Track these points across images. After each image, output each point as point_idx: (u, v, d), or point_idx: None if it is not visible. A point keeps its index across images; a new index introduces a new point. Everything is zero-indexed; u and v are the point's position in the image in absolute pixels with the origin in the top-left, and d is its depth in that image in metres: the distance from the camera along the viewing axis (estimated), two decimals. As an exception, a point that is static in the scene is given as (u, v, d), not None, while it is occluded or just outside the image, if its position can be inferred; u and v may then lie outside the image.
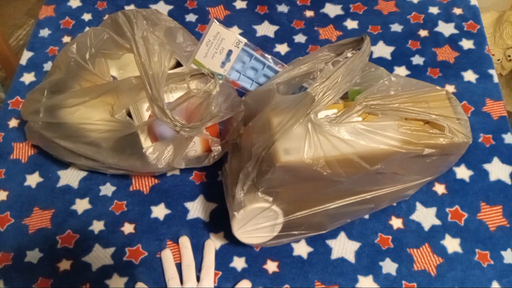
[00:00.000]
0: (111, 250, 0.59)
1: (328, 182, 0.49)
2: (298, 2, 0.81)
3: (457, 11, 0.79)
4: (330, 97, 0.48)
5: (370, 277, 0.57)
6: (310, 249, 0.59)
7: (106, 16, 0.80)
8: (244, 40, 0.61)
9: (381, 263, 0.58)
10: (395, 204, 0.61)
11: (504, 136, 0.66)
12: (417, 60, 0.74)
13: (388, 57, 0.74)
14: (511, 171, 0.64)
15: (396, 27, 0.77)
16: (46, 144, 0.62)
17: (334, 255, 0.59)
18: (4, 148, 0.67)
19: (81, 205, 0.62)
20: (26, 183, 0.64)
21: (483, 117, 0.68)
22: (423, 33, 0.76)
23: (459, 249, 0.58)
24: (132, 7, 0.81)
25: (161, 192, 0.63)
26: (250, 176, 0.49)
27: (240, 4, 0.81)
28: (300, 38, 0.77)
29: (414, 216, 0.61)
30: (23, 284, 0.57)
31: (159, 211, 0.62)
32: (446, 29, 0.77)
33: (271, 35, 0.77)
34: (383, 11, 0.79)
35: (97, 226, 0.61)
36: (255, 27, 0.78)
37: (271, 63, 0.63)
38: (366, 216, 0.61)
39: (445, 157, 0.53)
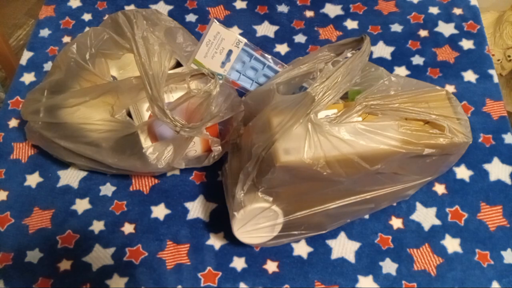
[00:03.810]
0: (111, 250, 0.59)
1: (328, 182, 0.49)
2: (298, 2, 0.81)
3: (457, 11, 0.79)
4: (330, 97, 0.48)
5: (370, 277, 0.57)
6: (310, 249, 0.59)
7: (106, 16, 0.80)
8: (244, 40, 0.61)
9: (381, 263, 0.58)
10: (395, 204, 0.61)
11: (504, 136, 0.66)
12: (417, 60, 0.74)
13: (388, 57, 0.74)
14: (511, 171, 0.64)
15: (396, 27, 0.77)
16: (46, 144, 0.62)
17: (334, 255, 0.59)
18: (4, 148, 0.67)
19: (81, 205, 0.62)
20: (26, 183, 0.64)
21: (483, 117, 0.68)
22: (423, 33, 0.76)
23: (459, 249, 0.58)
24: (132, 7, 0.81)
25: (161, 192, 0.63)
26: (250, 176, 0.49)
27: (240, 4, 0.81)
28: (300, 38, 0.77)
29: (414, 216, 0.61)
30: (23, 284, 0.57)
31: (159, 211, 0.62)
32: (446, 29, 0.77)
33: (271, 35, 0.77)
34: (383, 11, 0.79)
35: (97, 226, 0.61)
36: (255, 27, 0.78)
37: (271, 63, 0.63)
38: (366, 216, 0.61)
39: (445, 157, 0.53)
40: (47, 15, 0.81)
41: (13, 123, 0.69)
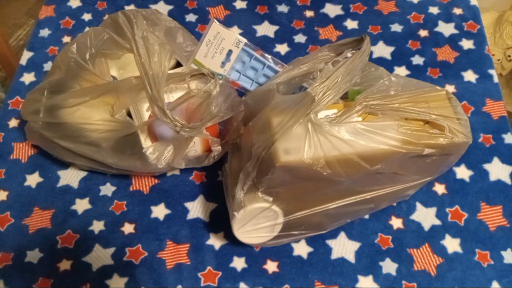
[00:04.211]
0: (111, 250, 0.59)
1: (328, 182, 0.49)
2: (298, 2, 0.81)
3: (457, 11, 0.79)
4: (330, 97, 0.48)
5: (370, 277, 0.57)
6: (310, 249, 0.59)
7: (106, 16, 0.80)
8: (244, 40, 0.61)
9: (381, 263, 0.58)
10: (395, 204, 0.61)
11: (504, 136, 0.66)
12: (417, 60, 0.74)
13: (388, 57, 0.74)
14: (511, 171, 0.64)
15: (396, 27, 0.77)
16: (46, 144, 0.62)
17: (334, 255, 0.59)
18: (4, 148, 0.67)
19: (81, 205, 0.62)
20: (26, 183, 0.64)
21: (483, 117, 0.68)
22: (423, 33, 0.76)
23: (459, 249, 0.58)
24: (132, 7, 0.81)
25: (161, 192, 0.63)
26: (250, 176, 0.49)
27: (240, 4, 0.81)
28: (300, 38, 0.77)
29: (414, 216, 0.61)
30: (23, 284, 0.57)
31: (159, 211, 0.62)
32: (446, 29, 0.77)
33: (271, 35, 0.77)
34: (383, 11, 0.79)
35: (97, 226, 0.61)
36: (255, 27, 0.78)
37: (271, 63, 0.63)
38: (366, 216, 0.61)
39: (445, 157, 0.53)
40: (47, 15, 0.81)
41: (13, 123, 0.69)
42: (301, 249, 0.59)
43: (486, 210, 0.61)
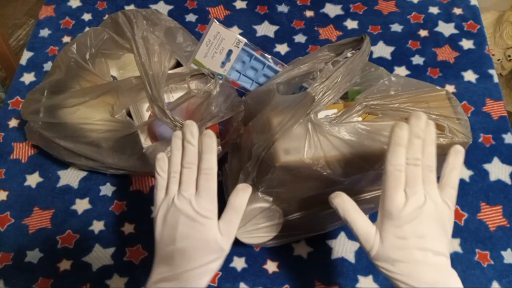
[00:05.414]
0: (111, 250, 0.59)
1: (328, 182, 0.49)
2: (298, 2, 0.81)
3: (457, 11, 0.79)
4: (330, 97, 0.48)
5: (370, 277, 0.57)
6: (310, 249, 0.59)
7: (106, 16, 0.80)
8: (244, 40, 0.61)
9: (381, 263, 0.58)
10: (395, 204, 0.61)
11: (504, 136, 0.66)
12: (417, 60, 0.74)
13: (388, 57, 0.74)
14: (511, 171, 0.64)
15: (396, 27, 0.77)
16: (46, 144, 0.62)
17: (334, 255, 0.59)
18: (4, 148, 0.67)
19: (81, 205, 0.62)
20: (26, 183, 0.64)
21: (483, 117, 0.68)
22: (423, 33, 0.76)
23: (459, 249, 0.58)
24: (132, 7, 0.81)
25: (161, 192, 0.63)
26: (250, 176, 0.49)
27: (240, 4, 0.81)
28: (300, 38, 0.77)
29: (414, 216, 0.61)
30: (23, 284, 0.57)
31: (159, 211, 0.62)
32: (446, 29, 0.77)
33: (271, 35, 0.77)
34: (383, 11, 0.79)
35: (97, 226, 0.61)
36: (255, 27, 0.78)
37: (271, 63, 0.63)
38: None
39: (445, 157, 0.53)
40: (47, 15, 0.81)
41: (13, 123, 0.69)
42: (301, 249, 0.59)
43: (486, 210, 0.61)
